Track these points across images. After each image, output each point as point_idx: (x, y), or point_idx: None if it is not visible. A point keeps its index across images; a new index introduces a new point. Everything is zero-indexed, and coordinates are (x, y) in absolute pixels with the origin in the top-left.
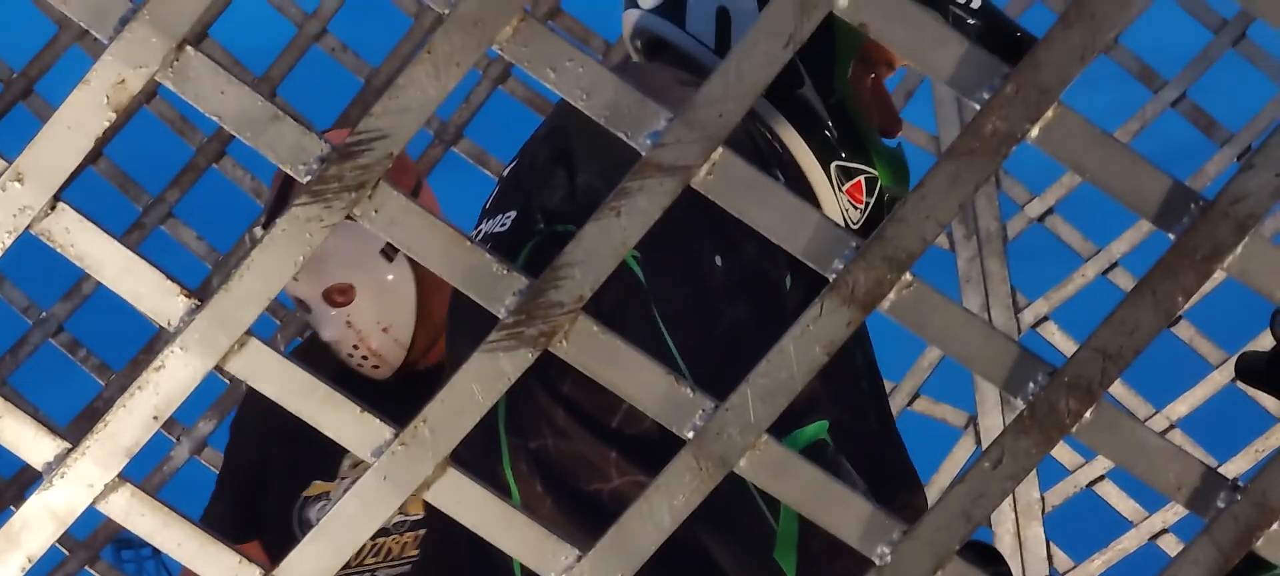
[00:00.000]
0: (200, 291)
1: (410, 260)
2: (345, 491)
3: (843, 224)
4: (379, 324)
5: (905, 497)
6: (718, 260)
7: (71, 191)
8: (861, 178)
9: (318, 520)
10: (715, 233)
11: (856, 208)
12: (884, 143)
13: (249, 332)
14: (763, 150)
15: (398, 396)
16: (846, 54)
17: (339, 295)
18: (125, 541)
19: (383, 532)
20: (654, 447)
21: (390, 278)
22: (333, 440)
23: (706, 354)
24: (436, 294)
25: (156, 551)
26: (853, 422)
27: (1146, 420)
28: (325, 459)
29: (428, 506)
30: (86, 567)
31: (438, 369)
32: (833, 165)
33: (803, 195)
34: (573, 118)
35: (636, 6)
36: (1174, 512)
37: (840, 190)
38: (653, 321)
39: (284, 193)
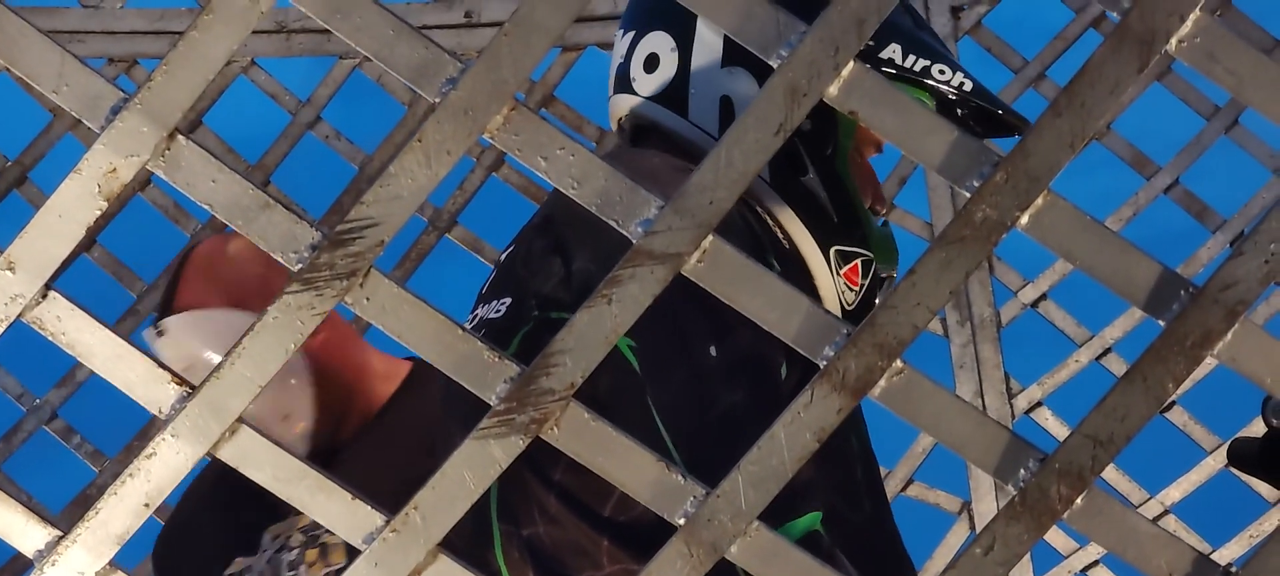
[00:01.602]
0: (193, 381)
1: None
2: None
3: (839, 306)
4: (277, 414)
5: None
6: (712, 349)
7: (66, 280)
8: (858, 261)
9: None
10: (710, 320)
11: (852, 290)
12: (878, 222)
13: (240, 420)
14: (759, 237)
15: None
16: (847, 138)
17: None
18: None
19: None
20: (646, 536)
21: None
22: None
23: (702, 441)
24: (334, 374)
25: None
26: (847, 510)
27: (1140, 505)
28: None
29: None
30: None
31: (361, 435)
32: (832, 249)
33: (801, 281)
34: (567, 205)
35: (630, 93)
36: None
37: (838, 274)
38: (647, 409)
39: (174, 284)
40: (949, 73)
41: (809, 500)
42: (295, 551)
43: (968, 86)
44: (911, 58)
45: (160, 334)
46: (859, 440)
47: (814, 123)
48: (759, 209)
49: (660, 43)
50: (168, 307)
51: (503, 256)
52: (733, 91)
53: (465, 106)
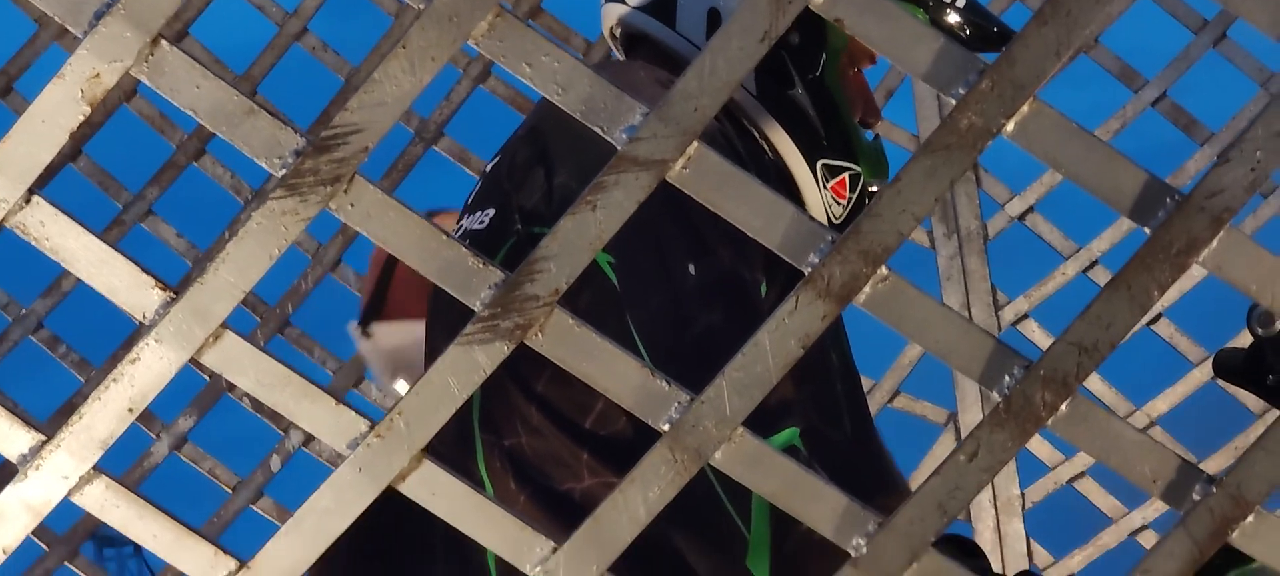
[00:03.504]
0: (178, 286)
1: None
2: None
3: (827, 220)
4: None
5: (880, 501)
6: (691, 267)
7: (54, 191)
8: (845, 175)
9: None
10: (689, 238)
11: (840, 203)
12: (867, 136)
13: (225, 326)
14: (739, 152)
15: None
16: (835, 50)
17: None
18: (107, 538)
19: None
20: (626, 449)
21: None
22: None
23: (679, 360)
24: None
25: (138, 549)
26: (826, 427)
27: (1127, 417)
28: None
29: None
30: (66, 564)
31: None
32: (819, 163)
33: (788, 194)
34: (551, 118)
35: (622, 1)
36: (1154, 509)
37: (825, 187)
38: (625, 327)
39: (383, 287)
40: None
41: (787, 416)
42: None
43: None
44: None
45: (367, 336)
46: (840, 356)
47: (802, 35)
48: (745, 122)
49: None
50: (377, 311)
51: (488, 167)
52: (720, 3)
53: (450, 13)
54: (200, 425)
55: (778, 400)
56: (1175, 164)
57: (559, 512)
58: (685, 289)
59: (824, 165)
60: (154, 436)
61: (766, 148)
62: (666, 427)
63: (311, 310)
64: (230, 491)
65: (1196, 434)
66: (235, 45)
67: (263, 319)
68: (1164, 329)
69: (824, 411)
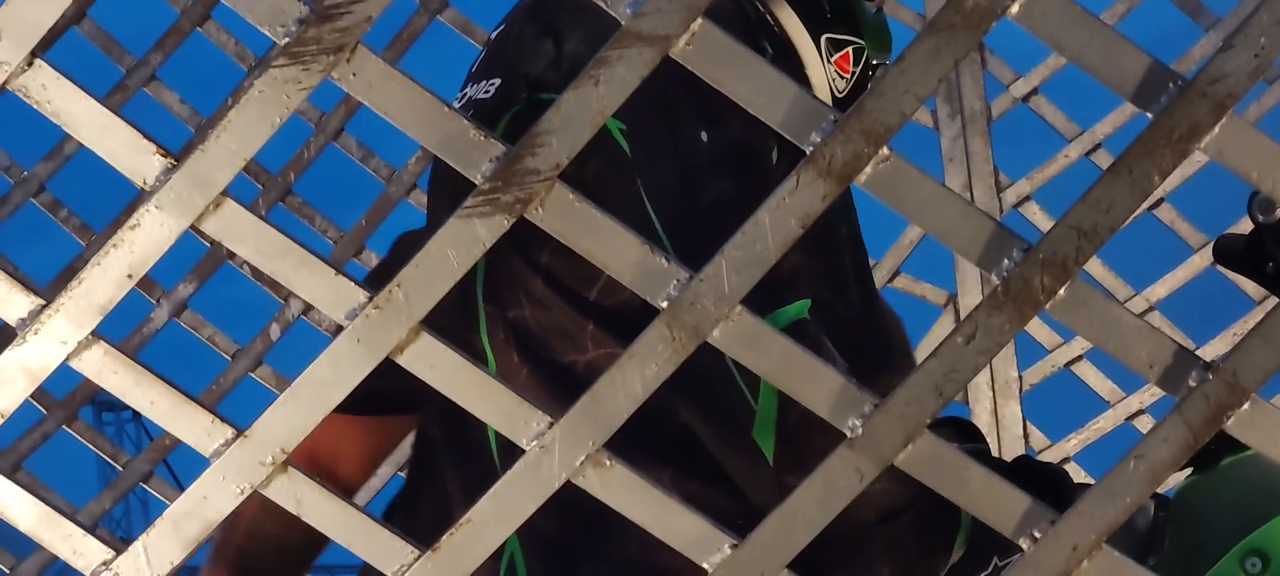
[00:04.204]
0: (179, 153)
1: None
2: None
3: (830, 94)
4: None
5: (887, 375)
6: (703, 134)
7: (57, 54)
8: (850, 49)
9: None
10: (701, 106)
11: (843, 77)
12: (871, 10)
13: (225, 193)
14: (752, 21)
15: None
16: None
17: None
18: (106, 403)
19: None
20: (631, 320)
21: None
22: None
23: (690, 226)
24: None
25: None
26: (834, 299)
27: (1126, 301)
28: None
29: None
30: (64, 427)
31: None
32: (823, 37)
33: (792, 67)
34: None
35: None
36: (1151, 394)
37: (829, 61)
38: (637, 193)
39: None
40: None
41: (796, 288)
42: None
43: None
44: None
45: None
46: (848, 228)
47: None
48: None
49: None
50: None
51: (493, 36)
52: None
53: None
54: (200, 292)
55: (786, 271)
56: (1180, 49)
57: (562, 385)
58: (696, 156)
59: (828, 39)
60: (154, 302)
61: (772, 20)
62: (665, 305)
63: (313, 179)
64: (229, 359)
65: (1195, 319)
66: None
67: (265, 187)
68: (1165, 214)
69: (832, 284)
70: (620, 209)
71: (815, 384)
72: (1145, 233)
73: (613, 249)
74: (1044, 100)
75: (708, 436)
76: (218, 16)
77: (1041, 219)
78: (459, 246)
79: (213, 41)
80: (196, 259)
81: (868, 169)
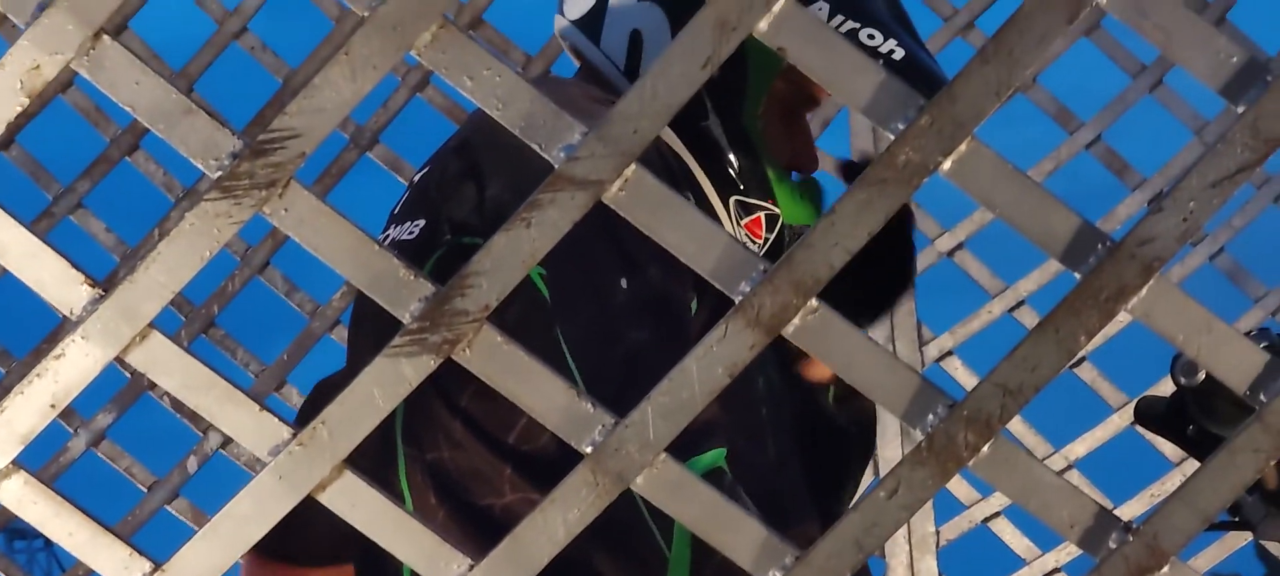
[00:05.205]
0: (107, 283)
1: None
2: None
3: None
4: None
5: (799, 529)
6: (623, 282)
7: None
8: (761, 214)
9: None
10: (621, 254)
11: (755, 242)
12: (794, 177)
13: (152, 326)
14: (675, 172)
15: None
16: (758, 89)
17: None
18: (18, 531)
19: None
20: (549, 466)
21: None
22: None
23: (608, 376)
24: None
25: (49, 543)
26: (750, 451)
27: (1045, 459)
28: None
29: None
30: None
31: None
32: (732, 199)
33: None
34: (484, 131)
35: (562, 13)
36: (1067, 553)
37: (739, 225)
38: (555, 340)
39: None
40: (879, 38)
41: (713, 437)
42: None
43: (898, 55)
44: (838, 18)
45: None
46: (766, 381)
47: (721, 70)
48: (674, 146)
49: None
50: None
51: (416, 177)
52: (644, 26)
53: (394, 22)
54: (119, 422)
55: (704, 420)
56: (1106, 207)
57: (479, 529)
58: (616, 304)
59: (737, 202)
60: (72, 431)
61: (689, 174)
62: (589, 450)
63: (236, 312)
64: (145, 490)
65: (1113, 479)
66: (172, 40)
67: (187, 318)
68: (1086, 373)
69: (749, 435)
70: (539, 355)
71: (738, 534)
72: (1065, 390)
73: (538, 393)
74: (969, 255)
75: None
76: (147, 146)
77: (964, 374)
78: (384, 385)
79: (141, 171)
80: (117, 388)
81: (796, 320)
